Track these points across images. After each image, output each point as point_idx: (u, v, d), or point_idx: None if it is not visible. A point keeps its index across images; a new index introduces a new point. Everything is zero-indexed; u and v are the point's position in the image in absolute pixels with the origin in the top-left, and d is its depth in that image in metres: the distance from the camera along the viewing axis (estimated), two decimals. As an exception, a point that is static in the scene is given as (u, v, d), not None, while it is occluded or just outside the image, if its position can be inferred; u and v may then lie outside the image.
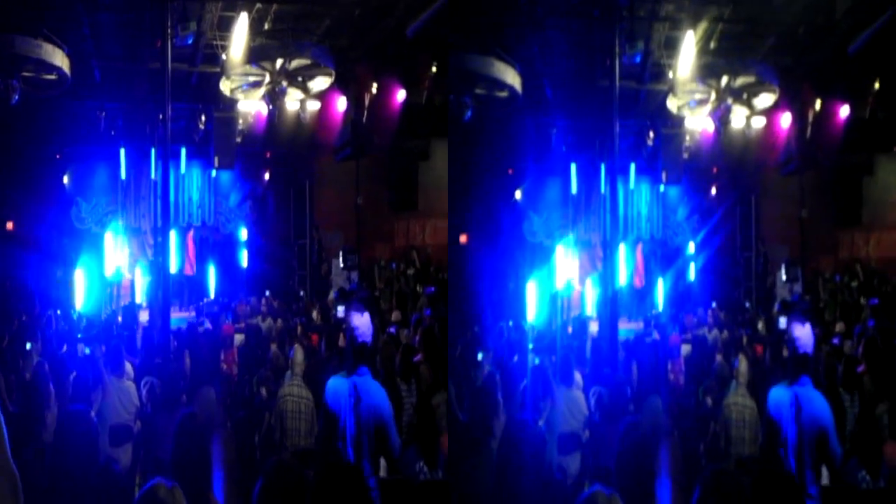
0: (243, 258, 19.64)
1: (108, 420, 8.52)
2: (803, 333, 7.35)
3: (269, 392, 10.05)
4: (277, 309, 16.93)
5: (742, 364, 9.38)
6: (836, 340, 13.47)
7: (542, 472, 6.78)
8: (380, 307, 17.48)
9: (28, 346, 10.86)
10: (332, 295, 17.81)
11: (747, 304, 19.06)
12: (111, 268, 17.34)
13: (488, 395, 7.88)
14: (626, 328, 15.45)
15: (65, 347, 11.91)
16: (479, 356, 10.56)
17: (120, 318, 15.16)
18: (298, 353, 9.48)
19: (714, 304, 17.71)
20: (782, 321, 7.58)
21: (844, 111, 18.68)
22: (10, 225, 17.56)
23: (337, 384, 7.12)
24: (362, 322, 7.28)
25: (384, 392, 7.17)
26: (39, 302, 14.52)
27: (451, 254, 16.61)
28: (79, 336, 12.86)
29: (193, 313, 16.93)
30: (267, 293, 18.29)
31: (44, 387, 9.38)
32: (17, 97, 15.08)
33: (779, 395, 7.16)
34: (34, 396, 9.31)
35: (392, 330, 12.94)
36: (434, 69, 17.77)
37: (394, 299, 18.50)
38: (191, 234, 18.89)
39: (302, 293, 19.64)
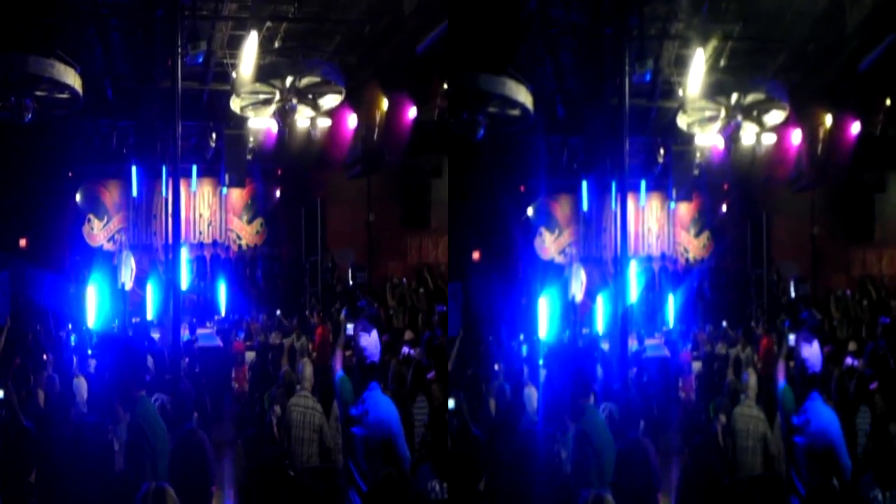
0: (254, 275, 19.64)
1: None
2: (811, 353, 7.29)
3: (283, 409, 10.02)
4: (289, 327, 16.92)
5: (751, 378, 9.35)
6: (849, 359, 13.43)
7: (555, 478, 6.80)
8: (392, 325, 17.45)
9: (45, 356, 10.91)
10: (342, 313, 17.75)
11: (757, 322, 18.97)
12: (125, 283, 17.40)
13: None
14: (650, 344, 15.42)
15: (75, 361, 11.94)
16: (497, 367, 10.57)
17: (130, 334, 15.20)
18: (307, 368, 9.46)
19: (725, 322, 17.65)
20: (792, 338, 7.52)
21: (855, 128, 18.63)
22: (23, 242, 17.65)
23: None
24: (370, 342, 7.25)
25: (393, 405, 7.16)
26: (53, 318, 14.59)
27: (462, 269, 16.61)
28: (89, 352, 12.90)
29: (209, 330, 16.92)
30: (278, 311, 18.27)
31: (57, 401, 9.43)
32: (30, 116, 15.17)
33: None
34: (48, 411, 9.36)
35: (406, 349, 12.91)
36: (445, 87, 17.82)
37: (406, 317, 18.43)
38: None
39: (314, 310, 19.59)
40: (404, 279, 19.97)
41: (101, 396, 8.37)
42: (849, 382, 10.94)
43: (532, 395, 9.84)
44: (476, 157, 16.96)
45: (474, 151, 16.63)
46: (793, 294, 19.36)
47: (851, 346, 15.50)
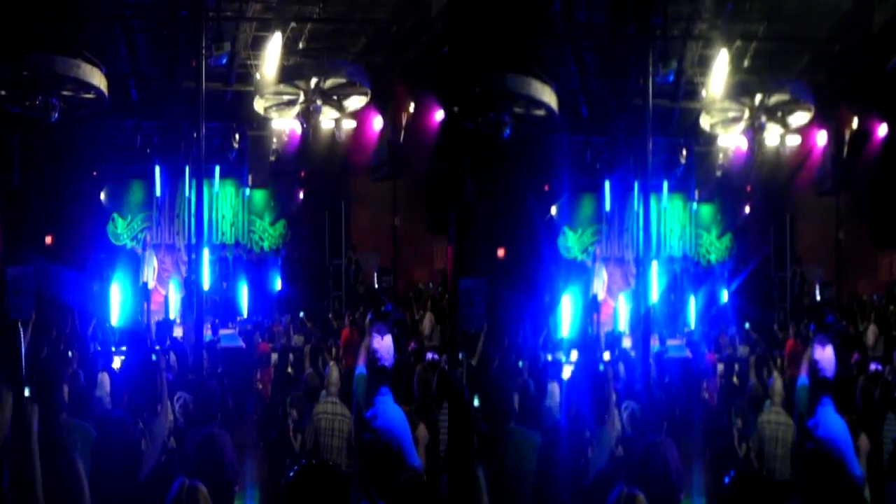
0: (277, 278, 19.64)
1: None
2: (824, 357, 7.22)
3: (301, 413, 10.03)
4: (312, 330, 16.92)
5: (777, 383, 9.28)
6: (873, 364, 13.31)
7: (580, 475, 6.76)
8: (418, 331, 17.43)
9: (70, 353, 10.97)
10: (368, 316, 17.71)
11: (782, 325, 18.83)
12: (148, 282, 17.46)
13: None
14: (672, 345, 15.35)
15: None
16: (520, 364, 10.55)
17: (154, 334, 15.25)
18: (334, 372, 9.39)
19: (748, 325, 17.54)
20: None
21: (882, 130, 18.49)
22: (48, 239, 17.77)
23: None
24: (383, 345, 7.21)
25: (402, 413, 7.13)
26: (77, 315, 14.70)
27: (468, 268, 16.55)
28: (112, 349, 12.96)
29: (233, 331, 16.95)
30: (301, 314, 18.27)
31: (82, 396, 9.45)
32: (56, 115, 15.27)
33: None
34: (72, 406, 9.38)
35: (430, 355, 12.87)
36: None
37: (433, 323, 18.34)
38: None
39: (344, 314, 19.47)
40: (430, 284, 19.88)
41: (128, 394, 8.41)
42: (874, 389, 10.82)
43: (554, 390, 9.80)
44: (501, 157, 16.93)
45: (499, 151, 16.60)
46: (818, 297, 19.20)
47: (870, 342, 15.34)
